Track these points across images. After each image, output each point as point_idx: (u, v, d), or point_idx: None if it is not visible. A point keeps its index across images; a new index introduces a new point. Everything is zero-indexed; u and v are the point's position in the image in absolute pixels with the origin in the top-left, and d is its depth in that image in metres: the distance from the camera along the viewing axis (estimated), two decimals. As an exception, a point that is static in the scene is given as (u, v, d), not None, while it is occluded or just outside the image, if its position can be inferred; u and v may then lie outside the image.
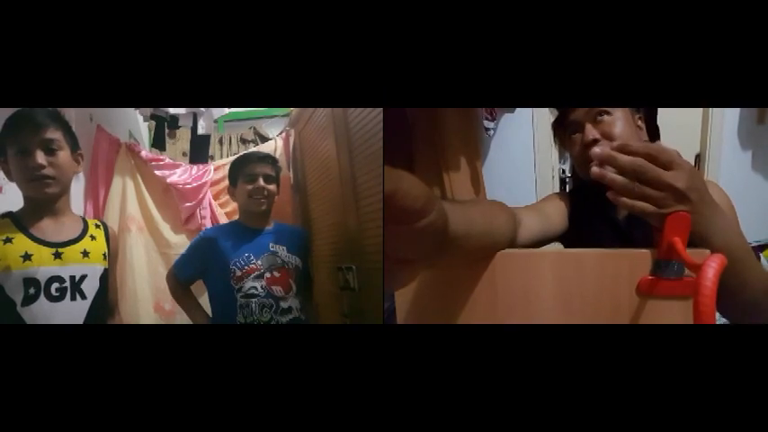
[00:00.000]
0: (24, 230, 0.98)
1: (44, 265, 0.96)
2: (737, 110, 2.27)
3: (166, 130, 2.31)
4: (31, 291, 0.94)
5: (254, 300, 1.42)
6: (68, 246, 1.01)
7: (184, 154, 2.70)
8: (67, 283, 0.98)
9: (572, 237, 0.94)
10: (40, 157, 0.95)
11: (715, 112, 2.28)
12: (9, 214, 1.01)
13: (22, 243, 0.96)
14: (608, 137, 0.88)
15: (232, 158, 1.78)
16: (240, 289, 1.43)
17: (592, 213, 0.94)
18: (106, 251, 1.09)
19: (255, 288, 1.43)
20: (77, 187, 2.08)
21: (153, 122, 2.28)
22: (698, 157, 2.38)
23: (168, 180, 2.07)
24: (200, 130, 2.27)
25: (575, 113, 0.92)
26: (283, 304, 1.45)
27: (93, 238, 1.07)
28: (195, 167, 2.19)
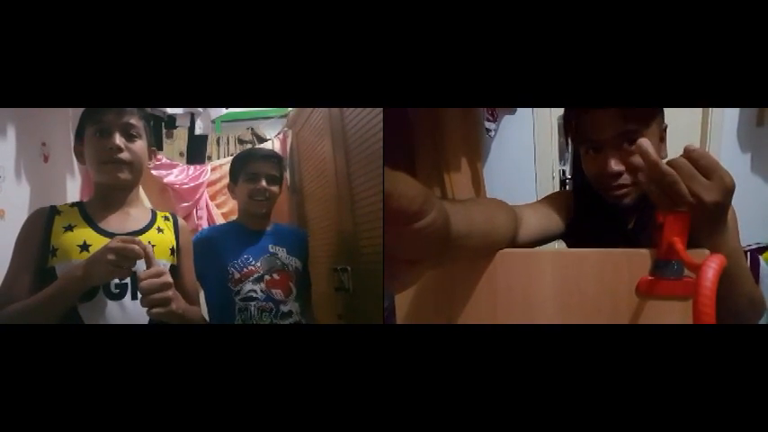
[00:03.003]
0: (88, 219, 0.93)
1: None
2: (737, 112, 2.28)
3: (164, 130, 2.30)
4: None
5: (253, 303, 1.38)
6: None
7: (181, 154, 2.70)
8: (128, 280, 0.89)
9: (576, 238, 0.93)
10: (119, 139, 0.92)
11: (714, 114, 2.28)
12: (78, 203, 0.97)
13: (82, 232, 0.91)
14: (632, 169, 0.80)
15: (230, 158, 1.76)
16: (239, 292, 1.38)
17: (598, 218, 0.91)
18: (174, 245, 1.01)
19: (255, 291, 1.38)
20: (75, 188, 2.08)
21: (150, 122, 2.28)
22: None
23: (165, 180, 2.07)
24: (198, 131, 2.27)
25: (598, 133, 0.81)
26: (283, 308, 1.40)
27: (159, 230, 1.00)
28: (192, 168, 2.19)
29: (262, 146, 2.20)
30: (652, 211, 0.89)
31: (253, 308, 1.38)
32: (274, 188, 1.45)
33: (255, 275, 1.40)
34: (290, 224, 1.95)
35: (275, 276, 1.42)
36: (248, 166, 1.44)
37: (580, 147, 0.89)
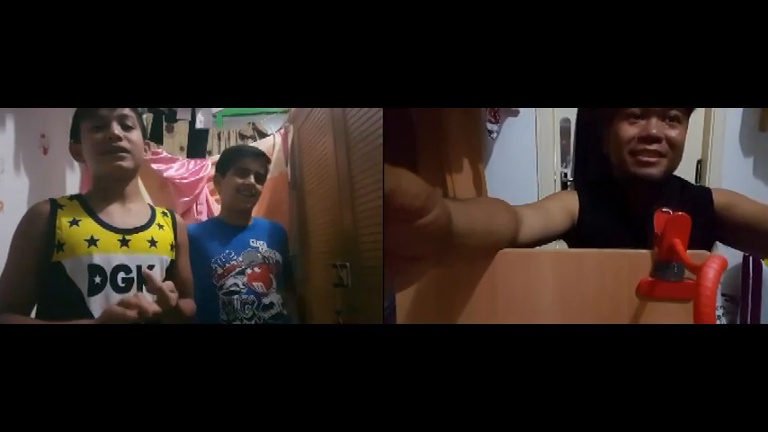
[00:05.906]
0: (92, 213, 0.93)
1: (110, 253, 0.90)
2: (739, 116, 2.28)
3: (164, 124, 2.30)
4: (97, 279, 0.88)
5: (235, 297, 1.40)
6: (135, 233, 0.96)
7: (182, 148, 2.70)
8: (134, 274, 0.91)
9: (580, 235, 0.94)
10: (117, 129, 0.93)
11: (717, 119, 2.28)
12: (78, 196, 0.98)
13: (88, 226, 0.91)
14: (670, 141, 0.88)
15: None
16: (222, 287, 1.41)
17: (605, 210, 0.93)
18: (173, 241, 1.04)
19: (237, 285, 1.41)
20: (74, 180, 2.07)
21: (150, 115, 2.27)
22: (699, 163, 2.38)
23: (165, 174, 2.06)
24: (199, 125, 2.27)
25: None
26: (265, 300, 1.43)
27: (160, 226, 1.02)
28: (192, 162, 2.18)
29: (263, 141, 2.20)
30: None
31: (235, 301, 1.40)
32: (260, 186, 1.49)
33: (237, 270, 1.43)
34: (286, 220, 1.96)
35: (256, 270, 1.45)
36: (239, 160, 1.47)
37: (615, 117, 0.92)
